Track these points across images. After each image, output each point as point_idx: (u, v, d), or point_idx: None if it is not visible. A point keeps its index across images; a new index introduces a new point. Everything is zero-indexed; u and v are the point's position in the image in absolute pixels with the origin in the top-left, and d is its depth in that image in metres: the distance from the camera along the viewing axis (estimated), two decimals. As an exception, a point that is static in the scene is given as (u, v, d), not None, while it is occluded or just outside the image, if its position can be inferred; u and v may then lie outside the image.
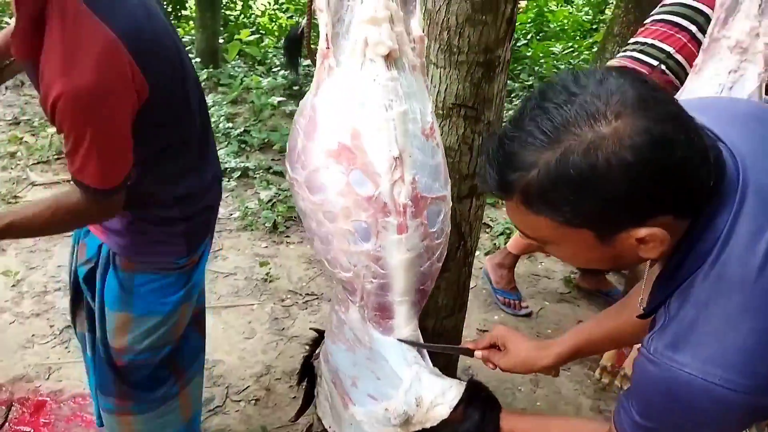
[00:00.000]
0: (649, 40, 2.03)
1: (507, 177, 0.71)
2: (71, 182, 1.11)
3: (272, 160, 3.84)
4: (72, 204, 1.12)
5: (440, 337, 1.76)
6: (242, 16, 6.58)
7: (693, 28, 2.00)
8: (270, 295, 2.59)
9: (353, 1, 1.06)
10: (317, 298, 2.60)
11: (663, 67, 2.05)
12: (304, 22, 1.58)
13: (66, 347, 2.16)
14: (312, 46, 1.30)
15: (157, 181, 1.22)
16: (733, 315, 0.70)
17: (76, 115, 1.00)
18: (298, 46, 1.52)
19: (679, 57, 1.99)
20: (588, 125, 0.65)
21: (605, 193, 0.66)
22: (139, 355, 1.36)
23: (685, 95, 1.84)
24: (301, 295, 2.61)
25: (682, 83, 2.06)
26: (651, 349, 0.75)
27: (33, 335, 2.20)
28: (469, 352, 1.24)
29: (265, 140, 3.96)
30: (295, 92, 4.80)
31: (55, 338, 2.20)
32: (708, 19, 1.94)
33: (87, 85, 0.98)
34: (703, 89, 1.78)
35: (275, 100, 4.35)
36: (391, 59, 1.05)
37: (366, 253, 1.13)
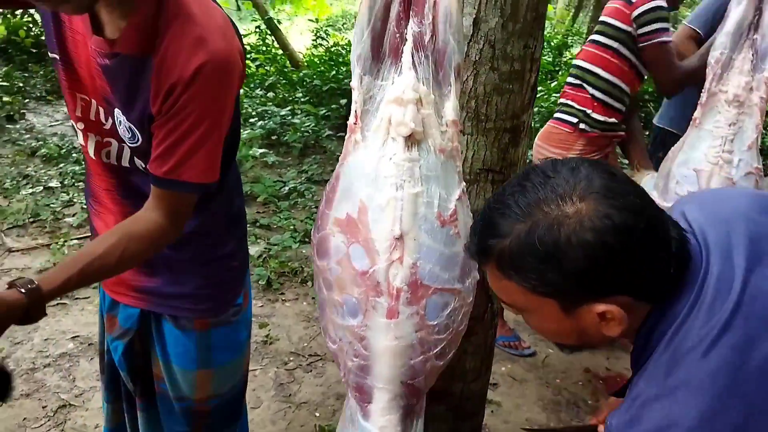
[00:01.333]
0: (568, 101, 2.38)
1: (486, 242, 0.80)
2: (152, 196, 1.04)
3: (257, 212, 3.78)
4: (145, 228, 1.03)
5: (468, 401, 1.72)
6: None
7: (604, 40, 2.22)
8: (272, 358, 2.50)
9: (386, 81, 1.06)
10: (321, 359, 2.53)
11: (582, 125, 2.32)
12: None
13: (61, 429, 2.02)
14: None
15: (221, 203, 1.19)
16: (678, 391, 0.73)
17: (213, 84, 0.97)
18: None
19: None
20: (555, 204, 0.74)
21: (565, 266, 0.73)
22: (224, 396, 1.35)
23: (687, 148, 1.91)
24: (304, 356, 2.53)
25: (619, 101, 2.29)
26: (609, 425, 0.79)
27: (25, 419, 2.05)
28: (594, 429, 1.21)
29: (249, 192, 3.90)
30: (274, 142, 4.79)
31: (48, 420, 2.05)
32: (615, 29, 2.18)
33: (224, 53, 0.97)
34: (705, 142, 1.84)
35: (256, 151, 4.31)
36: (413, 140, 1.04)
37: (351, 330, 1.11)
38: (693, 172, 1.88)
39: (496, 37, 1.31)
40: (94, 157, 1.14)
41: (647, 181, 2.24)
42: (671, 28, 2.16)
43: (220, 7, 1.04)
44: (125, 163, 1.12)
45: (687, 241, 0.80)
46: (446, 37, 1.01)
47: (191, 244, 1.16)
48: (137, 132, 1.04)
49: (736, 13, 1.76)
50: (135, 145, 1.06)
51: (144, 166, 1.10)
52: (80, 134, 1.13)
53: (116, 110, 1.05)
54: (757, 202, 0.86)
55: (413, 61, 1.02)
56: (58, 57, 1.08)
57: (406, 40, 1.02)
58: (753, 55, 1.79)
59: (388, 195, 1.03)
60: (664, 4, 2.12)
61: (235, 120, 1.12)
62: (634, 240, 0.73)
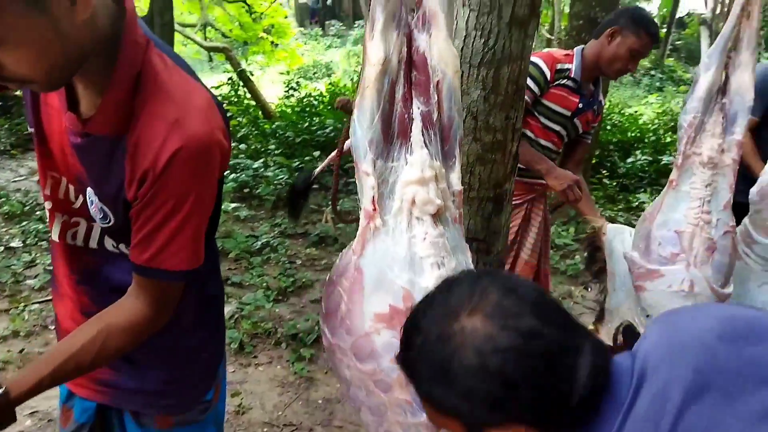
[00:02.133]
0: None
1: (400, 352, 0.80)
2: (134, 285, 0.97)
3: (229, 269, 3.67)
4: (128, 318, 0.95)
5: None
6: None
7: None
8: (244, 431, 2.37)
9: (397, 162, 1.05)
10: (296, 429, 2.40)
11: None
12: (316, 171, 1.53)
13: None
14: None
15: (192, 287, 1.08)
16: None
17: (190, 169, 0.90)
18: (305, 196, 1.47)
19: None
20: (447, 319, 0.73)
21: (453, 385, 0.71)
22: None
23: (665, 209, 1.91)
24: (278, 427, 2.40)
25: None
26: None
27: None
28: None
29: (220, 248, 3.80)
30: (246, 195, 4.72)
31: None
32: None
33: (202, 136, 0.90)
34: (684, 203, 1.85)
35: (228, 206, 4.24)
36: (437, 216, 1.03)
37: (426, 425, 1.05)
38: (674, 234, 1.88)
39: (479, 109, 1.30)
40: (57, 240, 1.06)
41: (611, 230, 2.23)
42: (534, 88, 2.14)
43: (203, 85, 0.98)
44: (93, 244, 1.05)
45: (604, 372, 0.73)
46: (452, 114, 1.02)
47: (156, 335, 1.05)
48: (109, 213, 0.98)
49: (705, 79, 1.80)
50: (107, 225, 1.00)
51: (115, 245, 1.04)
52: (48, 214, 1.06)
53: (89, 189, 0.99)
54: (724, 326, 0.74)
55: (424, 139, 1.02)
56: (33, 131, 1.02)
57: (413, 119, 1.02)
58: (723, 118, 1.82)
59: (433, 275, 1.00)
60: (540, 64, 2.12)
61: (217, 198, 1.06)
62: (521, 365, 0.68)
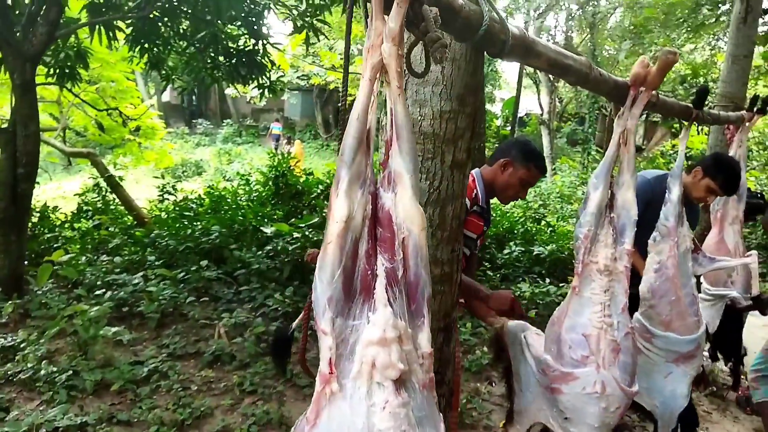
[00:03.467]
0: None
1: None
2: None
3: (112, 405, 3.26)
4: None
5: None
6: (40, 228, 5.91)
7: None
8: None
9: (358, 320, 1.00)
10: None
11: None
12: (294, 324, 1.46)
13: None
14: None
15: None
16: None
17: None
18: (288, 346, 1.40)
19: None
20: None
21: None
22: None
23: (572, 314, 2.06)
24: None
25: None
26: None
27: None
28: None
29: (100, 381, 3.39)
30: (126, 314, 4.31)
31: None
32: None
33: None
34: (588, 308, 2.02)
35: (108, 330, 3.82)
36: (400, 381, 0.99)
37: None
38: (582, 337, 2.03)
39: (428, 245, 1.35)
40: None
41: (513, 327, 2.32)
42: None
43: None
44: None
45: None
46: (418, 271, 1.02)
47: None
48: None
49: (594, 197, 2.04)
50: None
51: None
52: None
53: None
54: None
55: (388, 297, 0.99)
56: None
57: (377, 276, 1.00)
58: (613, 230, 2.06)
59: None
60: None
61: None
62: None
